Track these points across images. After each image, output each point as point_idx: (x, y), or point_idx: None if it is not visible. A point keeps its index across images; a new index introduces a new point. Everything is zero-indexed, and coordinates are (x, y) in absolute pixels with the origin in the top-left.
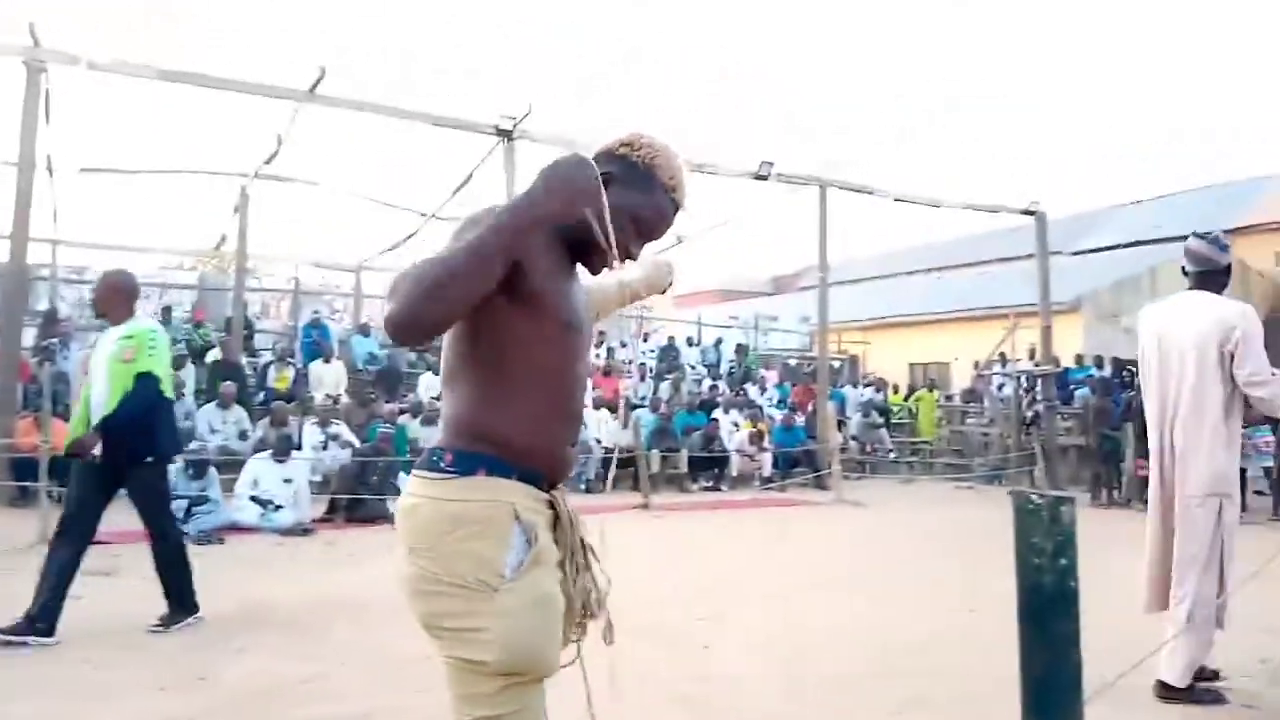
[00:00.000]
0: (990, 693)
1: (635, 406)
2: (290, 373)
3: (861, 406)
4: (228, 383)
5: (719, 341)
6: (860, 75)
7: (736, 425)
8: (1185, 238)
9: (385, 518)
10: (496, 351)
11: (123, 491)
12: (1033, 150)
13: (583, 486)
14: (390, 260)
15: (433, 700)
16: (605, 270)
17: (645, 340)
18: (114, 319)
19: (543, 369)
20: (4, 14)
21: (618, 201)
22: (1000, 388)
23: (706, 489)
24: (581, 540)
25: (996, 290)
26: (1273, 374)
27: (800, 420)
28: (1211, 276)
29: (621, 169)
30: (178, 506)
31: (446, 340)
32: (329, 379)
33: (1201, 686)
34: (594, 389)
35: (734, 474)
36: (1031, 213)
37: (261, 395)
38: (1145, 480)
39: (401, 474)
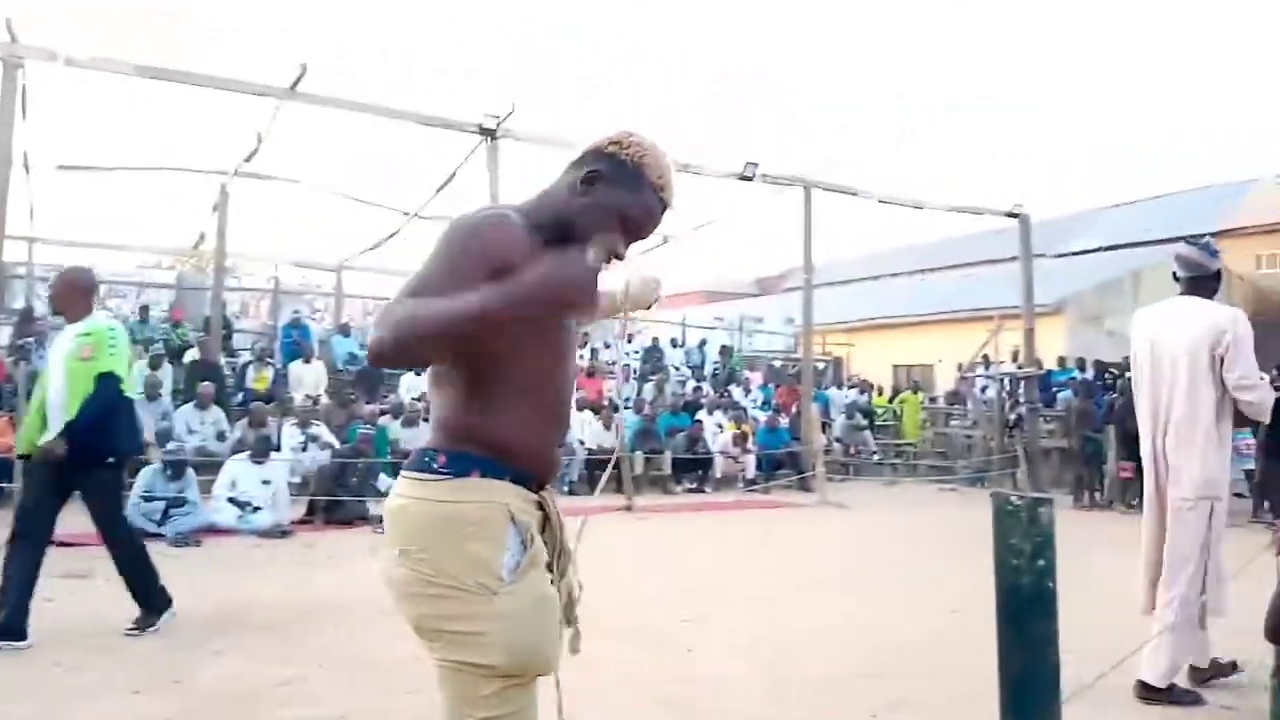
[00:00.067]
0: (974, 693)
1: (618, 409)
2: (269, 373)
3: (846, 408)
4: (206, 383)
5: (703, 343)
6: (851, 77)
7: (720, 427)
8: (1168, 241)
9: (365, 519)
10: (486, 354)
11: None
12: (1017, 153)
13: (566, 488)
14: (371, 259)
15: (411, 704)
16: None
17: (629, 341)
18: (71, 316)
19: (532, 371)
20: None
21: (606, 200)
22: (984, 390)
23: (690, 491)
24: (563, 544)
25: (980, 292)
26: (1261, 378)
27: (784, 422)
28: (1202, 282)
29: (610, 167)
30: (155, 508)
31: None
32: (309, 379)
33: (1181, 688)
34: (578, 390)
35: (718, 476)
36: (1015, 215)
37: (240, 396)
38: (1127, 483)
39: (382, 475)
